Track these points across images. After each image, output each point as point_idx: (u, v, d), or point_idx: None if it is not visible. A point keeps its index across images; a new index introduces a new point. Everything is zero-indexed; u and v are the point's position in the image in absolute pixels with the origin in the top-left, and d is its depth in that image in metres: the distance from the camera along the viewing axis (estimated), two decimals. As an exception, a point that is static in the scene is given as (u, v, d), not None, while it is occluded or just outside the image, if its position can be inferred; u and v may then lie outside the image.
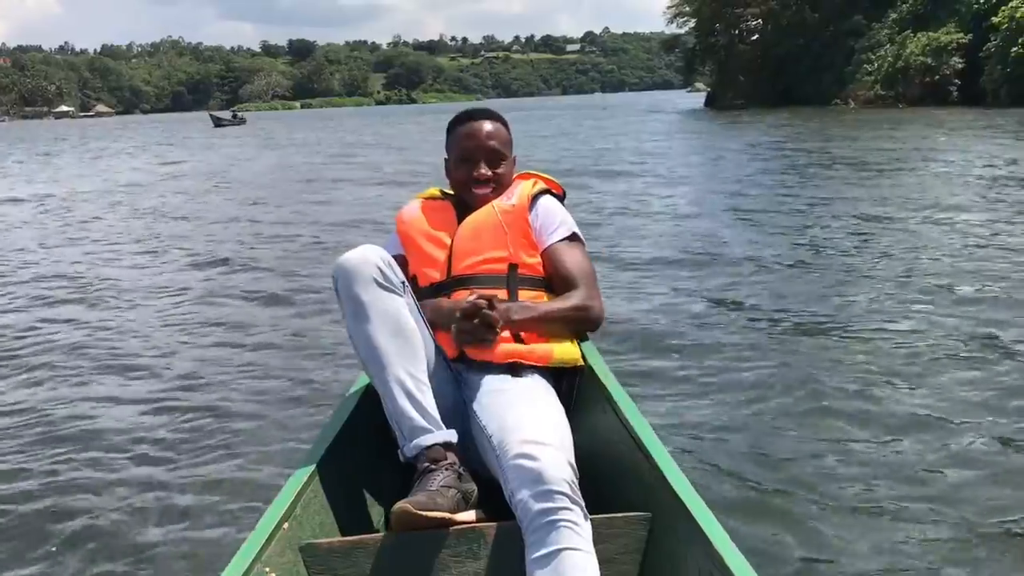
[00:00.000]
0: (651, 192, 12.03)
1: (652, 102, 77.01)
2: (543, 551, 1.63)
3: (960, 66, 34.98)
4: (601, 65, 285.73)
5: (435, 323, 2.16)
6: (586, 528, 1.67)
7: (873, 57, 40.15)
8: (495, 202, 2.37)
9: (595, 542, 1.68)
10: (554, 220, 2.38)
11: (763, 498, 2.98)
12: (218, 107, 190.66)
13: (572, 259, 2.35)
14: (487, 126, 2.41)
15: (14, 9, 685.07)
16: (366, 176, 16.95)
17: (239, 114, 69.62)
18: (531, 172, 2.52)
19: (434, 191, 2.55)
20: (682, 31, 55.93)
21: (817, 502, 2.92)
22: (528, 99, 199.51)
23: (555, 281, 2.33)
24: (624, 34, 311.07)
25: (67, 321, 6.03)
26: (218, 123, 58.86)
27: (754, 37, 51.97)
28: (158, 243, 9.46)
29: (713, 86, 54.00)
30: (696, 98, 67.48)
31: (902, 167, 13.64)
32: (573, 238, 2.39)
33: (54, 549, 2.89)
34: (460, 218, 2.38)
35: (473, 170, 2.37)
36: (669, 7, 54.99)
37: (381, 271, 1.95)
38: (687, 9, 53.84)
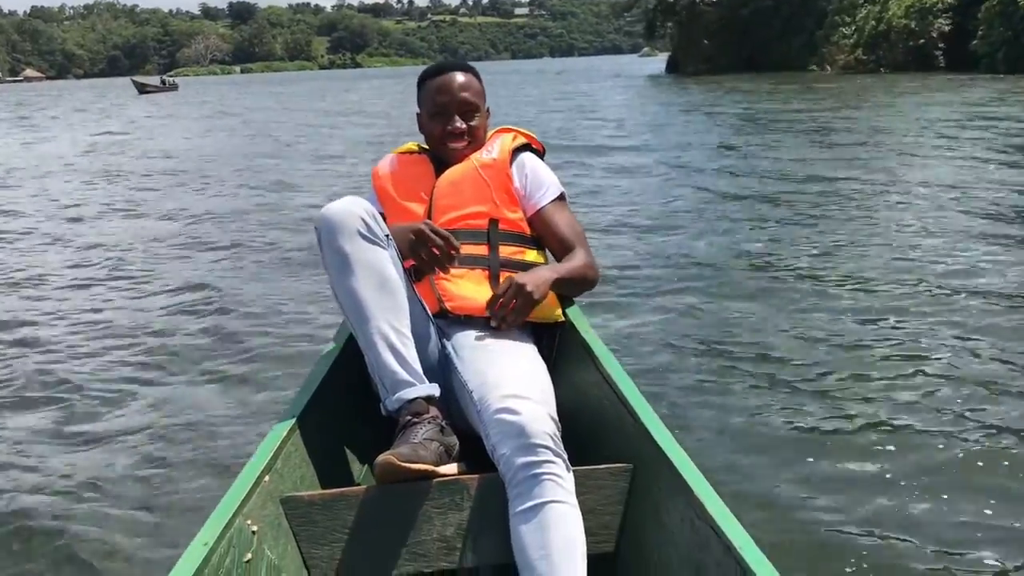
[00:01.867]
0: (634, 171, 10.56)
1: (608, 67, 74.03)
2: (527, 504, 1.63)
3: (947, 28, 32.51)
4: (550, 29, 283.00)
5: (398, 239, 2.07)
6: (569, 480, 1.67)
7: (848, 20, 37.57)
8: (474, 156, 2.33)
9: (578, 493, 1.69)
10: (542, 181, 2.36)
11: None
12: (156, 72, 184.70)
13: (565, 221, 2.35)
14: (459, 78, 2.33)
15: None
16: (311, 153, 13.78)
17: (170, 79, 63.95)
18: (510, 127, 2.47)
19: (411, 146, 2.48)
20: None
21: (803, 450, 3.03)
22: (476, 63, 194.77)
23: (551, 243, 2.34)
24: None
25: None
26: (143, 89, 53.53)
27: (718, -3, 48.84)
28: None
29: (675, 50, 50.69)
30: (654, 63, 64.63)
31: (922, 141, 11.45)
32: (561, 197, 2.38)
33: (28, 507, 2.89)
34: (438, 173, 2.33)
35: (447, 124, 2.31)
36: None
37: (365, 223, 1.91)
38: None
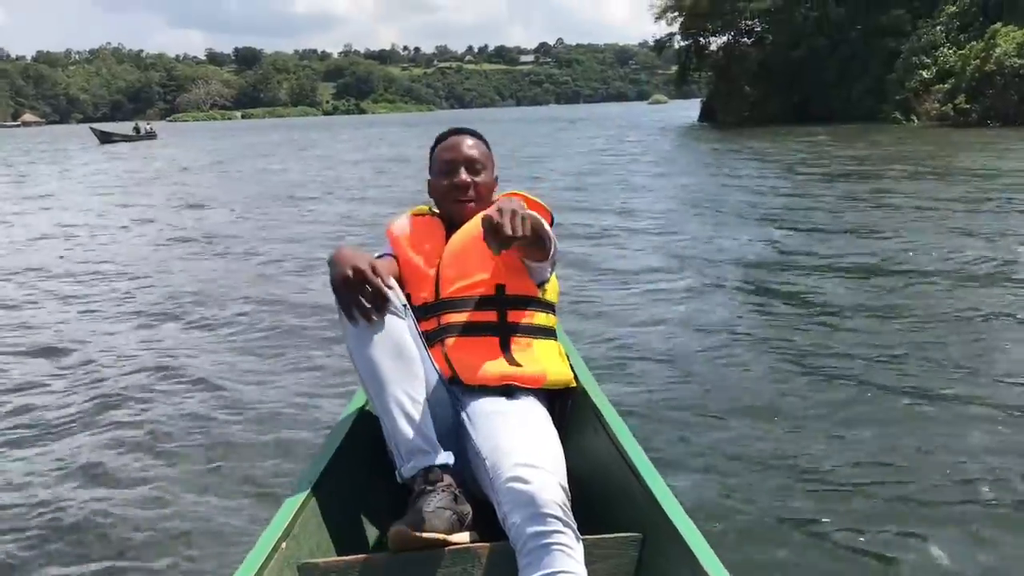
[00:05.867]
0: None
1: (622, 116, 67.66)
2: (536, 574, 1.64)
3: (1074, 70, 25.91)
4: (556, 76, 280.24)
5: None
6: (578, 550, 1.69)
7: (927, 61, 31.30)
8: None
9: (587, 562, 1.69)
10: None
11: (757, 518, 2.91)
12: (158, 116, 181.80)
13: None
14: (466, 139, 2.42)
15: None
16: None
17: (147, 126, 56.59)
18: (518, 192, 2.33)
19: (424, 208, 2.48)
20: (673, 29, 45.33)
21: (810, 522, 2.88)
22: (483, 110, 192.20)
23: None
24: (578, 45, 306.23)
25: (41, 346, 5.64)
26: (106, 139, 46.77)
27: (763, 36, 42.49)
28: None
29: (710, 96, 44.34)
30: (669, 111, 58.33)
31: None
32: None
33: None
34: (448, 235, 2.33)
35: (453, 178, 2.35)
36: (655, 2, 44.88)
37: None
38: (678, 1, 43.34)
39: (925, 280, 6.37)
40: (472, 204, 2.34)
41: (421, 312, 2.22)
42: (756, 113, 38.59)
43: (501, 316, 2.19)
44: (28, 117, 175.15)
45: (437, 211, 2.45)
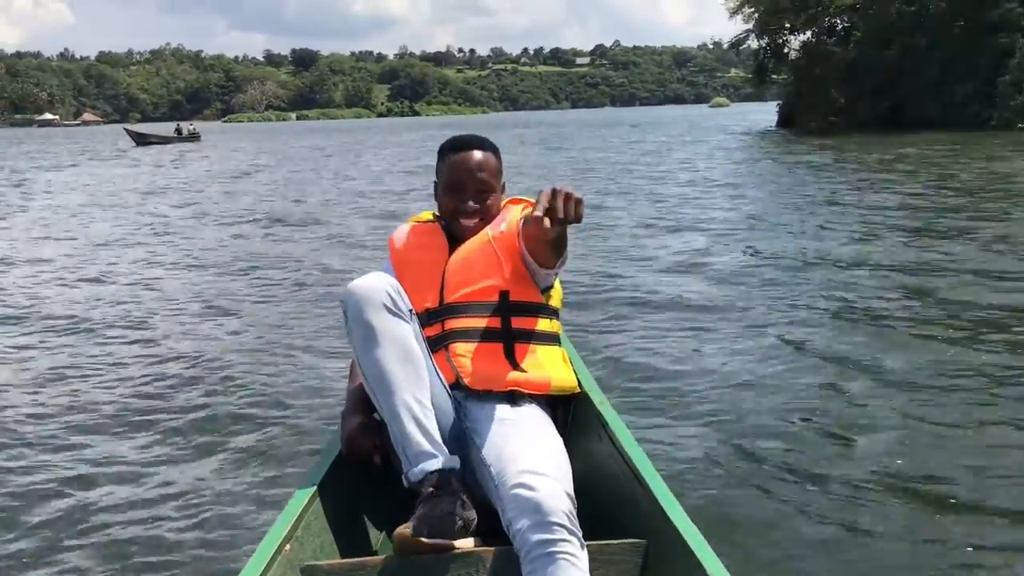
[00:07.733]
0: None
1: (687, 119, 64.17)
2: None
3: None
4: (612, 79, 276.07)
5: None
6: (583, 558, 1.67)
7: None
8: (487, 230, 2.30)
9: (591, 568, 1.69)
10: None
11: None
12: (215, 116, 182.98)
13: None
14: (476, 156, 2.34)
15: (25, 19, 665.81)
16: None
17: (190, 128, 54.26)
18: (521, 197, 2.41)
19: (427, 215, 2.47)
20: (748, 27, 41.64)
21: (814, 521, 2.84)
22: (536, 112, 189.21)
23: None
24: (635, 48, 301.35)
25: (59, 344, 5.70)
26: (142, 140, 44.75)
27: (849, 32, 38.53)
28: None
29: (790, 98, 40.48)
30: (734, 114, 54.49)
31: None
32: None
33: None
34: (451, 243, 2.33)
35: (460, 202, 2.31)
36: (729, -5, 41.12)
37: (391, 297, 1.97)
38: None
39: None
40: (477, 224, 2.28)
41: (425, 318, 2.17)
42: (846, 119, 34.86)
43: (505, 322, 2.16)
44: (88, 116, 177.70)
45: (439, 214, 2.40)
